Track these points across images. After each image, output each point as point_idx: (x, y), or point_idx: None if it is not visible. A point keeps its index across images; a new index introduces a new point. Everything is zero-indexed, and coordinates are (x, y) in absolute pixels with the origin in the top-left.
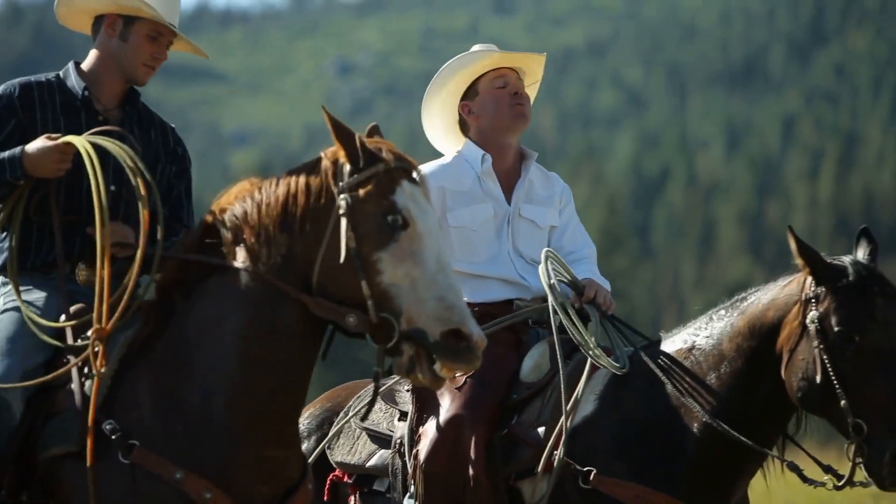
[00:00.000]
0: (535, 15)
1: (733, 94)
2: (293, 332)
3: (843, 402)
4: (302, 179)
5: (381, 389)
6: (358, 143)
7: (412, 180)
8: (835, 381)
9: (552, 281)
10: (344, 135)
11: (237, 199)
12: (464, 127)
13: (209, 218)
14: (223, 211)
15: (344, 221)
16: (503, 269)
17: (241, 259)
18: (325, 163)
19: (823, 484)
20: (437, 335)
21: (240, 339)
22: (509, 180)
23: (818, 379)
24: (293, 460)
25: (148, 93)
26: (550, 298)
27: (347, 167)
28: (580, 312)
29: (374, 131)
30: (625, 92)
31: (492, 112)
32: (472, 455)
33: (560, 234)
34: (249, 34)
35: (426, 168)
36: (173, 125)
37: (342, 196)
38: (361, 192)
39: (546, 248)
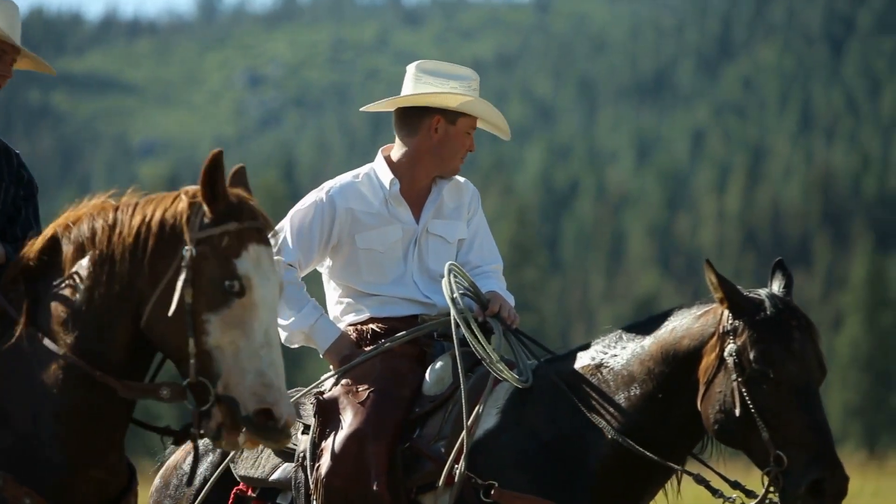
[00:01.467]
0: (444, 27)
1: (642, 108)
2: (108, 394)
3: (764, 435)
4: (158, 214)
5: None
6: (222, 194)
7: (262, 241)
8: (755, 415)
9: (455, 294)
10: (212, 180)
11: (88, 217)
12: (409, 127)
13: (54, 231)
14: (70, 226)
15: (183, 274)
16: (407, 291)
17: (68, 293)
18: (183, 204)
19: (733, 500)
20: (250, 410)
21: (53, 402)
22: (420, 198)
23: (737, 412)
24: (115, 482)
25: (56, 105)
26: (452, 311)
27: (202, 216)
28: (483, 326)
29: (238, 176)
30: (534, 105)
31: (450, 152)
32: (374, 469)
33: (468, 248)
34: (158, 45)
35: (339, 182)
36: (17, 151)
37: (187, 248)
38: (207, 248)
39: (450, 262)
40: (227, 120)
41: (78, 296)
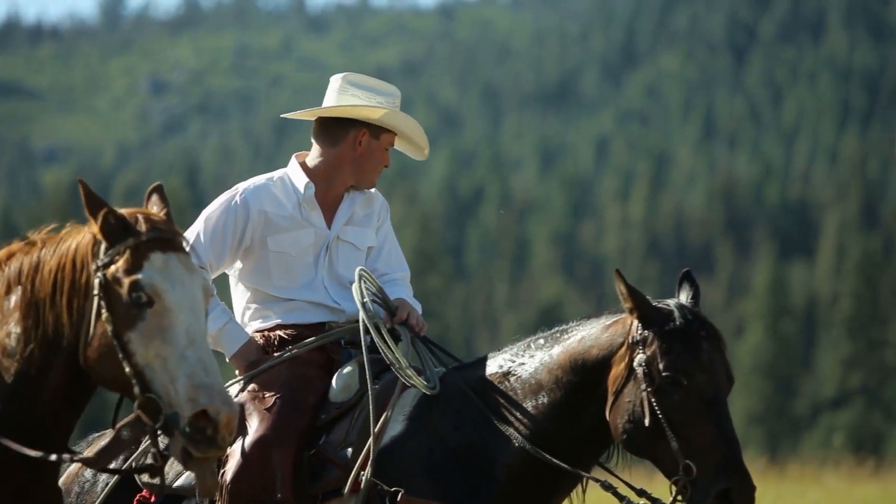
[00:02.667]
0: (349, 34)
1: (547, 115)
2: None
3: (673, 444)
4: (72, 250)
5: None
6: (107, 218)
7: (169, 249)
8: (664, 424)
9: (365, 299)
10: (94, 208)
11: (12, 258)
12: (330, 136)
13: None
14: (1, 264)
15: (96, 301)
16: (317, 296)
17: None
18: (88, 237)
19: None
20: (188, 418)
21: None
22: (332, 205)
23: (647, 422)
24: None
25: None
26: (362, 315)
27: (103, 244)
28: (391, 333)
29: (153, 194)
30: (439, 112)
31: (370, 166)
32: (280, 476)
33: (376, 255)
34: (61, 50)
35: (252, 184)
36: None
37: (97, 275)
38: (112, 269)
39: (360, 267)
40: (130, 126)
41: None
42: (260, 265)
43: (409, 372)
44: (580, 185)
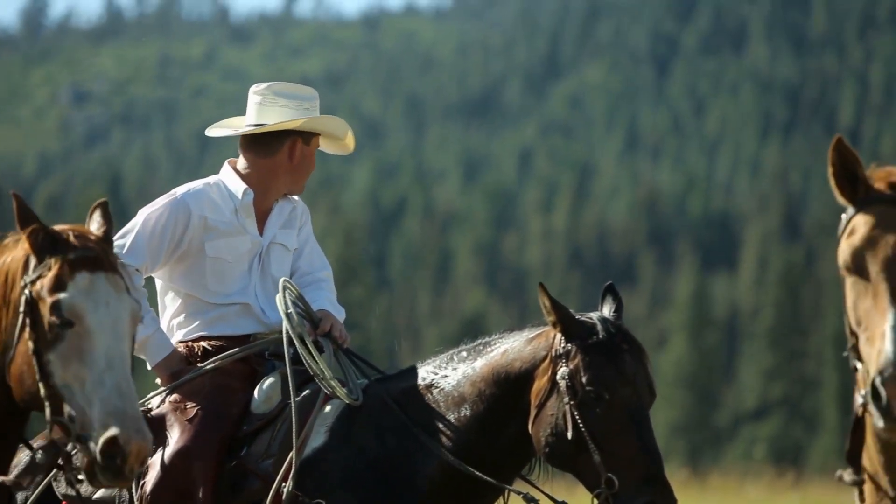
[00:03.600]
0: (272, 45)
1: (470, 126)
2: None
3: (596, 458)
4: (6, 264)
5: None
6: (36, 234)
7: (98, 269)
8: (587, 437)
9: (290, 310)
10: (25, 223)
11: None
12: (264, 147)
13: None
14: None
15: (20, 319)
16: (249, 299)
17: None
18: (21, 251)
19: None
20: (99, 445)
21: None
22: (264, 213)
23: (569, 435)
24: None
25: None
26: (286, 326)
27: (33, 259)
28: (315, 344)
29: (96, 210)
30: (362, 123)
31: (305, 171)
32: (200, 487)
33: (297, 255)
34: None
35: (193, 188)
36: None
37: (24, 291)
38: (37, 286)
39: (283, 278)
40: (52, 136)
41: None
42: (194, 270)
43: (333, 383)
44: (503, 197)
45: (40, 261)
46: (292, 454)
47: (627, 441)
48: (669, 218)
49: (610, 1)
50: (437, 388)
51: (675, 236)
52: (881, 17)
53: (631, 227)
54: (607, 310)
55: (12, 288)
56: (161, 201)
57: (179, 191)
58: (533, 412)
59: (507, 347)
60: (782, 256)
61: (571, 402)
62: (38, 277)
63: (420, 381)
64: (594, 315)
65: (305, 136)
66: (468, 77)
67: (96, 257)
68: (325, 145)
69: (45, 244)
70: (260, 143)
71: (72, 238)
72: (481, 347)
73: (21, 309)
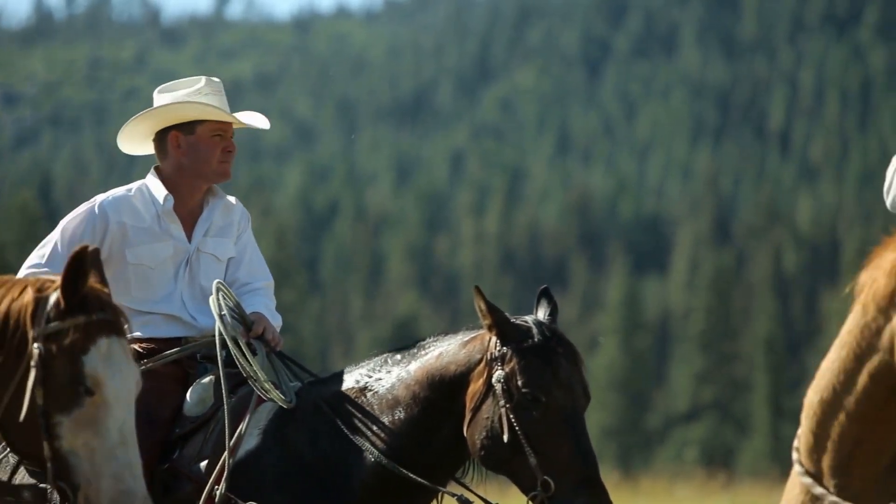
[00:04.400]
0: (203, 48)
1: (402, 129)
2: None
3: (532, 461)
4: (6, 304)
5: None
6: (79, 289)
7: (113, 333)
8: (523, 440)
9: (223, 312)
10: (75, 277)
11: None
12: (161, 150)
13: None
14: None
15: (33, 373)
16: (174, 309)
17: None
18: (28, 297)
19: None
20: None
21: None
22: (192, 216)
23: (505, 438)
24: None
25: None
26: (219, 328)
27: (48, 311)
28: (248, 347)
29: (89, 258)
30: (294, 125)
31: (201, 159)
32: None
33: (237, 265)
34: None
35: (112, 195)
36: None
37: (36, 344)
38: (55, 345)
39: (217, 280)
40: None
41: None
42: (118, 278)
43: (267, 385)
44: (435, 200)
45: (61, 316)
46: (225, 456)
47: (563, 444)
48: (601, 221)
49: (541, 4)
50: (370, 391)
51: (606, 239)
52: (811, 21)
53: (562, 230)
54: (542, 313)
55: (21, 335)
56: (80, 210)
57: (99, 198)
58: (468, 415)
59: (442, 351)
60: (713, 260)
61: (507, 406)
62: (57, 334)
63: (354, 385)
64: (529, 318)
65: (185, 128)
66: (399, 80)
67: (112, 321)
68: (239, 123)
69: (73, 297)
70: (157, 147)
71: (93, 298)
72: (416, 351)
73: (33, 363)
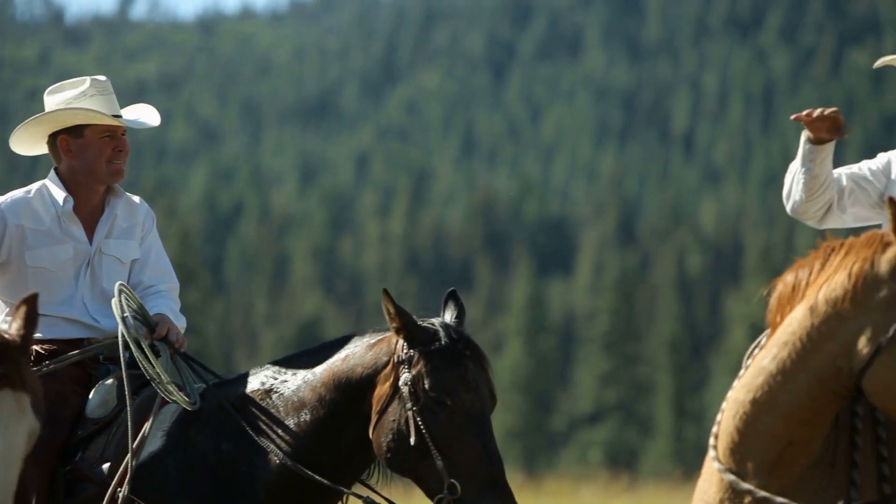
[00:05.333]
0: (107, 48)
1: (307, 130)
2: None
3: (438, 463)
4: None
5: None
6: None
7: (6, 386)
8: (430, 443)
9: (126, 314)
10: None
11: None
12: (54, 153)
13: None
14: None
15: None
16: (75, 313)
17: None
18: None
19: None
20: None
21: None
22: (93, 217)
23: (412, 441)
24: None
25: None
26: (122, 330)
27: None
28: (151, 348)
29: (23, 309)
30: (198, 126)
31: (92, 161)
32: (33, 492)
33: (141, 267)
34: None
35: (10, 198)
36: None
37: None
38: None
39: (119, 282)
40: None
41: None
42: (18, 280)
43: (170, 387)
44: (340, 201)
45: None
46: (128, 458)
47: (470, 446)
48: (505, 223)
49: (446, 6)
50: (276, 392)
51: (511, 241)
52: (714, 25)
53: (467, 231)
54: (449, 316)
55: None
56: None
57: None
58: (374, 418)
59: (349, 353)
60: (617, 261)
61: (414, 408)
62: None
63: (259, 386)
64: (436, 321)
65: (73, 132)
66: (305, 81)
67: (5, 374)
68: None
69: None
70: (50, 151)
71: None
72: (322, 353)
73: None
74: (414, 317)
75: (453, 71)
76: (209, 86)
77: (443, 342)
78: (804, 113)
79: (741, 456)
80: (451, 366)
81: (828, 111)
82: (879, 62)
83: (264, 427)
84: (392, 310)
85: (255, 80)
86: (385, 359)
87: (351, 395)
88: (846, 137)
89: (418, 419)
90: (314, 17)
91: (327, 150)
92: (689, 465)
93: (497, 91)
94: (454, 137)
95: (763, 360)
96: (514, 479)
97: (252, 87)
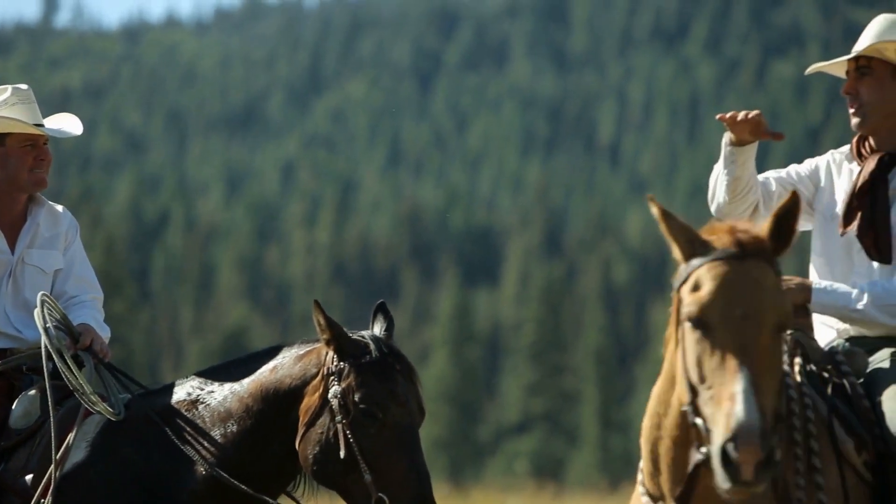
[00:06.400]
0: (30, 56)
1: (233, 140)
2: None
3: (366, 477)
4: None
5: None
6: None
7: None
8: (358, 457)
9: (48, 325)
10: None
11: None
12: None
13: None
14: None
15: None
16: None
17: None
18: None
19: None
20: None
21: None
22: (15, 227)
23: (341, 454)
24: None
25: None
26: (44, 341)
27: None
28: (75, 359)
29: None
30: (123, 135)
31: (13, 170)
32: None
33: (65, 277)
34: None
35: None
36: None
37: None
38: None
39: (42, 293)
40: None
41: None
42: None
43: (94, 398)
44: (266, 210)
45: None
46: (52, 470)
47: (398, 461)
48: (432, 233)
49: (372, 16)
50: (202, 403)
51: (437, 251)
52: (640, 36)
53: (394, 241)
54: (378, 328)
55: None
56: None
57: None
58: (301, 429)
59: (277, 364)
60: (543, 272)
61: (344, 421)
62: None
63: (185, 397)
64: (366, 334)
65: None
66: (231, 90)
67: None
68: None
69: None
70: None
71: None
72: (250, 363)
73: None
74: (344, 329)
75: (379, 80)
76: (134, 94)
77: (373, 355)
78: (728, 115)
79: (656, 481)
80: (382, 379)
81: (751, 114)
82: (811, 69)
83: (190, 437)
84: (323, 321)
85: (181, 88)
86: (314, 370)
87: (278, 405)
88: (783, 139)
89: (348, 432)
90: (239, 26)
91: (253, 159)
92: (615, 475)
93: (423, 101)
94: (380, 147)
95: (655, 385)
96: (441, 490)
97: (177, 95)
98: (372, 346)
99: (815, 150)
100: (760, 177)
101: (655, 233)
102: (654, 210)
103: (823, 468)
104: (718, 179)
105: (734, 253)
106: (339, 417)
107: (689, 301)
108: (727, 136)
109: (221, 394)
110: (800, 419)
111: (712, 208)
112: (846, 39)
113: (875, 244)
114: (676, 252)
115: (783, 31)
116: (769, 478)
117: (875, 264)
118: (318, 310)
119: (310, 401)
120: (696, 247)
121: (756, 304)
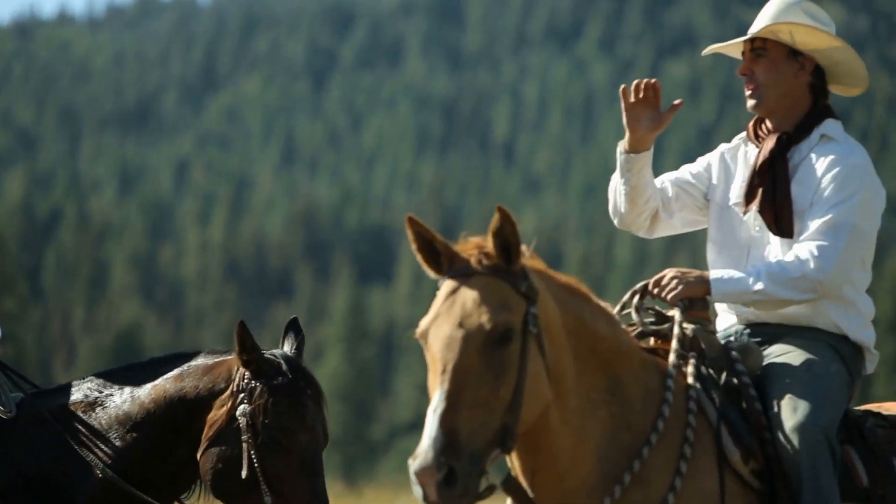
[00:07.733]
0: None
1: (127, 137)
2: None
3: (267, 500)
4: None
5: None
6: None
7: None
8: (261, 478)
9: None
10: None
11: None
12: None
13: None
14: None
15: None
16: None
17: None
18: None
19: None
20: None
21: None
22: None
23: (244, 473)
24: None
25: None
26: None
27: None
28: None
29: None
30: (15, 132)
31: None
32: None
33: None
34: None
35: None
36: None
37: None
38: None
39: None
40: None
41: None
42: None
43: None
44: (159, 208)
45: None
46: None
47: (301, 486)
48: (326, 231)
49: (267, 13)
50: (101, 405)
51: (331, 249)
52: (534, 35)
53: (288, 239)
54: (289, 346)
55: None
56: None
57: None
58: (205, 442)
59: (183, 372)
60: None
61: (250, 441)
62: None
63: (82, 398)
64: (278, 353)
65: None
66: (124, 87)
67: None
68: None
69: None
70: None
71: None
72: (151, 368)
73: None
74: (260, 348)
75: (273, 78)
76: (26, 91)
77: (285, 378)
78: (633, 84)
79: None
80: (292, 404)
81: (652, 81)
82: (708, 49)
83: (86, 439)
84: (248, 344)
85: (74, 86)
86: (223, 385)
87: (182, 414)
88: (682, 105)
89: (252, 453)
90: (133, 23)
91: (147, 157)
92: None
93: (317, 99)
94: (274, 145)
95: None
96: (334, 488)
97: (70, 93)
98: (284, 367)
99: (708, 149)
100: (657, 181)
101: (549, 231)
102: (409, 232)
103: (696, 474)
104: (617, 190)
105: (462, 270)
106: (245, 436)
107: (424, 320)
108: (622, 144)
109: (121, 397)
110: (679, 425)
111: (615, 221)
112: None
113: (776, 220)
114: (425, 267)
115: (676, 31)
116: (466, 493)
117: (776, 241)
118: (244, 331)
119: (216, 414)
120: (440, 263)
121: (464, 322)
